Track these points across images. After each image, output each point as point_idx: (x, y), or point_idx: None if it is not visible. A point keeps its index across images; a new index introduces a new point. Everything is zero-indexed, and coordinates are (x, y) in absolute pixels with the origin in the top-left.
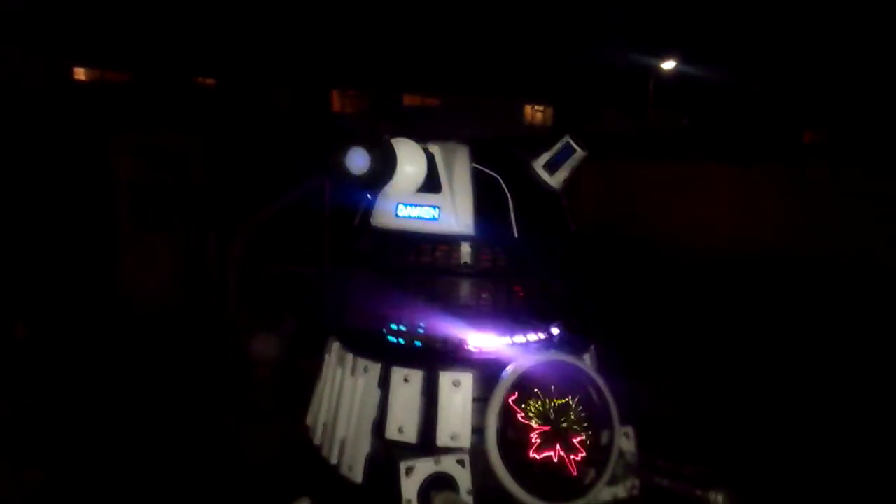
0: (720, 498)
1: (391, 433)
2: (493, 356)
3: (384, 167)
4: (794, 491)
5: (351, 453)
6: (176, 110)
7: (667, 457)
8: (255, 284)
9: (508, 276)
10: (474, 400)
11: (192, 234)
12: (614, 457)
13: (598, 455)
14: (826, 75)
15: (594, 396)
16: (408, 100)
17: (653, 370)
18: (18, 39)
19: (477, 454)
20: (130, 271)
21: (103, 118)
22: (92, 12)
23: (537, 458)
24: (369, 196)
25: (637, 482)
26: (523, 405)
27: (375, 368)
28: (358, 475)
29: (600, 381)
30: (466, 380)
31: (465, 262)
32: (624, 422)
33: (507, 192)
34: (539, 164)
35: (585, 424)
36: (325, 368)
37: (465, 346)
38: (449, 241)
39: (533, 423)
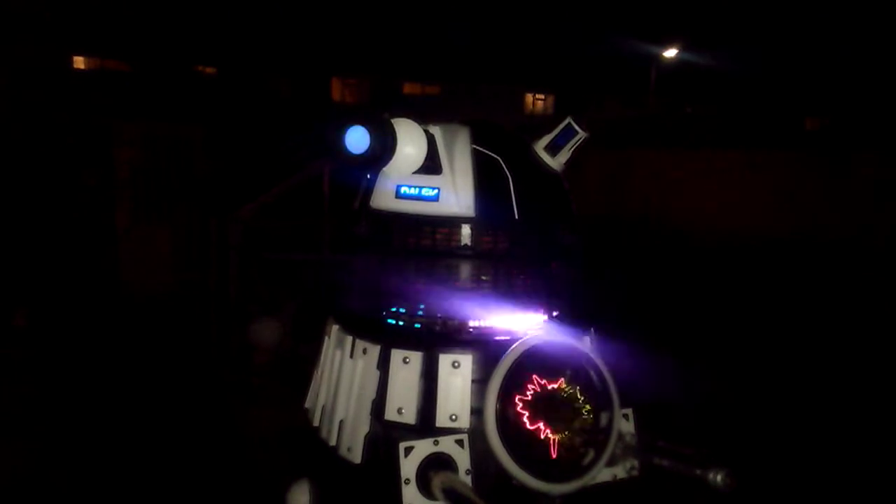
0: (719, 477)
1: (390, 414)
2: (492, 338)
3: (384, 147)
4: (794, 473)
5: (350, 434)
6: (177, 99)
7: (667, 438)
8: (256, 271)
9: (509, 258)
10: (473, 381)
11: (193, 221)
12: (614, 438)
13: (598, 436)
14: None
15: (594, 378)
16: (408, 88)
17: (655, 353)
18: (18, 28)
19: (476, 435)
20: (131, 259)
21: (104, 107)
22: (92, 1)
23: (536, 438)
24: (369, 177)
25: (637, 463)
26: (522, 386)
27: (375, 350)
28: (357, 456)
29: (600, 363)
30: (466, 361)
31: (466, 244)
32: (624, 403)
33: (507, 173)
34: (540, 146)
35: (585, 406)
36: (323, 351)
37: (465, 328)
38: (449, 223)
39: (532, 405)
